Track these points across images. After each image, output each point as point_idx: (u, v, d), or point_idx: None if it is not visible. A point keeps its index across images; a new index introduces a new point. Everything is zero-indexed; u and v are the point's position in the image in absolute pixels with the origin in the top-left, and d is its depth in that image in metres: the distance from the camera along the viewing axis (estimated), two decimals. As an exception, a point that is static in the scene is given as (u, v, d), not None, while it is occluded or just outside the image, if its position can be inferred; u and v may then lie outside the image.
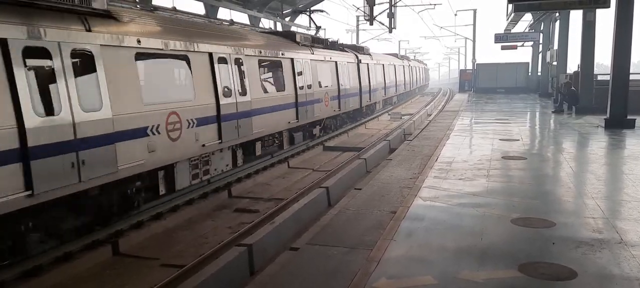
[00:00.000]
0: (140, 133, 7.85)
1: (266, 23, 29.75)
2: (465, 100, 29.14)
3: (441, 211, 6.51)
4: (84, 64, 6.99)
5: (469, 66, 45.33)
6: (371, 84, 23.24)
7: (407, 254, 5.04)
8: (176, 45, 8.96)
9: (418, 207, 6.71)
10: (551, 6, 19.21)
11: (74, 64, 6.76)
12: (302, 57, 15.02)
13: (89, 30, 7.05)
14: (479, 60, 41.21)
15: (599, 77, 20.77)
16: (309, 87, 15.39)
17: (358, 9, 29.21)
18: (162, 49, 8.59)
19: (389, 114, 27.57)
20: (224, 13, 25.14)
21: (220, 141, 10.11)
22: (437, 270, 4.60)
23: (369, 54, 24.04)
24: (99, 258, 7.38)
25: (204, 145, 9.58)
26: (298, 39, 15.52)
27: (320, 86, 16.42)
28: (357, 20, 45.63)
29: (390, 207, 6.72)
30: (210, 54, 10.00)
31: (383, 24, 25.45)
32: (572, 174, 8.69)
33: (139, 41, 7.97)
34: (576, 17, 22.04)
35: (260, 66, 12.44)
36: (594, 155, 10.79)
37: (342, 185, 10.15)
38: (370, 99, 23.18)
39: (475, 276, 4.44)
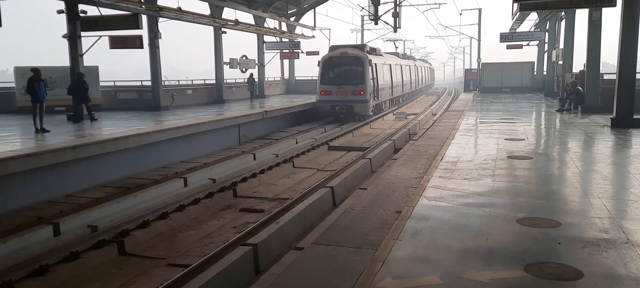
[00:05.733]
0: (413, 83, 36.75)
1: (271, 23, 29.77)
2: (470, 99, 29.03)
3: (446, 211, 6.49)
4: (379, 68, 25.03)
5: (474, 65, 45.16)
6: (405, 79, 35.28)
7: (412, 254, 5.03)
8: (392, 60, 29.91)
9: (423, 206, 6.70)
10: (557, 5, 19.09)
11: (376, 68, 24.13)
12: (412, 64, 38.69)
13: (375, 55, 25.66)
14: (484, 60, 41.04)
15: (605, 77, 20.64)
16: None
17: (363, 8, 29.17)
18: (390, 63, 28.57)
19: (393, 114, 27.54)
20: (228, 13, 25.16)
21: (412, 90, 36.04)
22: (443, 270, 4.59)
23: (382, 55, 28.87)
24: (105, 258, 7.42)
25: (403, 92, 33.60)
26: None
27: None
28: (362, 20, 45.63)
29: (395, 206, 6.71)
30: (401, 65, 31.77)
31: (388, 24, 25.38)
32: (578, 174, 8.65)
33: (384, 60, 27.50)
34: (582, 16, 21.91)
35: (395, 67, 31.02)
36: (600, 155, 10.73)
37: (347, 184, 10.15)
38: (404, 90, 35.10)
39: (481, 276, 4.43)
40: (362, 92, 22.65)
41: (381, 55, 27.88)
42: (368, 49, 25.16)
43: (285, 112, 21.37)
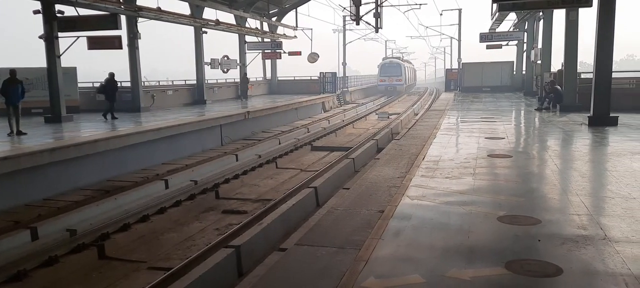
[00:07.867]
0: (412, 78, 66.80)
1: (253, 23, 29.63)
2: (451, 99, 29.31)
3: (428, 210, 6.54)
4: (410, 69, 64.15)
5: (455, 65, 45.62)
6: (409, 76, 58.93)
7: (395, 253, 5.05)
8: (407, 64, 60.72)
9: (406, 205, 6.73)
10: (535, 5, 19.37)
11: (408, 68, 58.76)
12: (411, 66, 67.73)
13: (404, 61, 58.27)
14: (464, 60, 41.51)
15: (583, 75, 21.03)
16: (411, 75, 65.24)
17: (344, 9, 29.21)
18: (407, 65, 58.44)
19: (376, 114, 27.67)
20: (209, 13, 24.95)
21: (412, 83, 67.92)
22: (425, 268, 4.62)
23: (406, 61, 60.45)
24: (85, 262, 7.30)
25: (410, 82, 62.35)
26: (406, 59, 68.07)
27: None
28: (344, 21, 45.68)
29: (378, 206, 6.73)
30: (409, 66, 62.65)
31: (369, 24, 25.45)
32: (557, 172, 8.79)
33: (411, 65, 68.40)
34: (560, 16, 22.31)
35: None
36: (578, 153, 10.93)
37: (331, 185, 10.16)
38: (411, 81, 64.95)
39: (463, 274, 4.47)
40: (400, 80, 50.36)
41: (404, 61, 57.37)
42: (402, 58, 57.24)
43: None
